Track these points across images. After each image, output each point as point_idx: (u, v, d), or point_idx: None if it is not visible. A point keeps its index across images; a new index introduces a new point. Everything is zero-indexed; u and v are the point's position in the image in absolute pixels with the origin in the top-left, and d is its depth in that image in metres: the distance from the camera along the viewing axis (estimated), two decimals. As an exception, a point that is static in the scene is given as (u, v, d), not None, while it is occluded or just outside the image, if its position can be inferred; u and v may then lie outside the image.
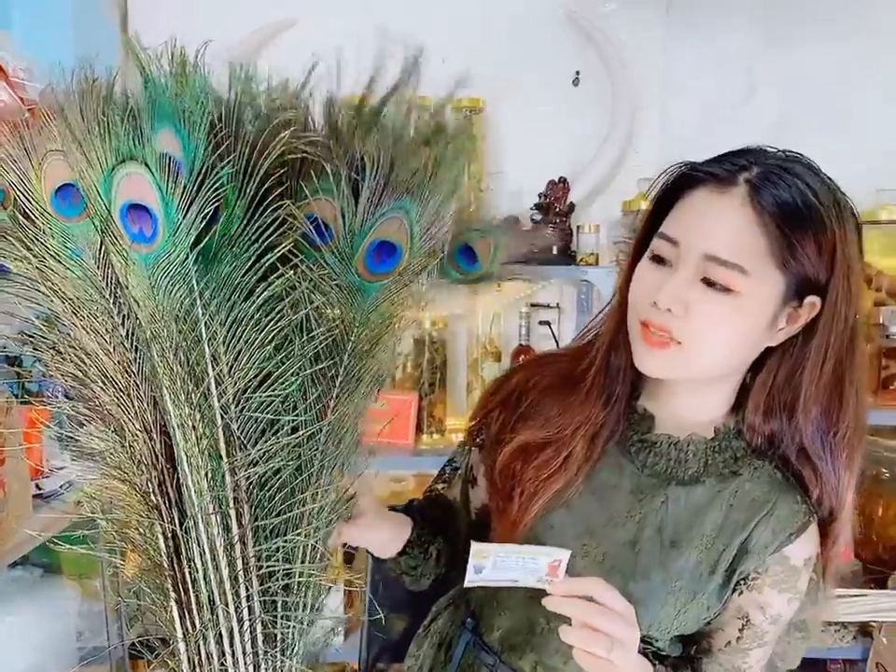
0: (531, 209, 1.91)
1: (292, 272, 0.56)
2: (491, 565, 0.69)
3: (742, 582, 0.82)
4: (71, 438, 0.69)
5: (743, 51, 1.97)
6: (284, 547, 0.64)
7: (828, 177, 0.76)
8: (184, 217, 0.50)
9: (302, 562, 0.64)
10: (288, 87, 0.62)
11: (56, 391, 0.72)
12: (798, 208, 0.71)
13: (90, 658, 1.44)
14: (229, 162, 0.49)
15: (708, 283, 0.72)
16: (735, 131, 1.94)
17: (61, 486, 1.24)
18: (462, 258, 0.78)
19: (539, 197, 1.90)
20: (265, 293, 0.54)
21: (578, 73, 2.01)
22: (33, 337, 0.67)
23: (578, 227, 1.93)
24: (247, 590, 0.63)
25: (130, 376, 0.63)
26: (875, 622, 1.63)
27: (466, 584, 0.70)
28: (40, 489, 1.24)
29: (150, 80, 0.50)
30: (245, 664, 0.64)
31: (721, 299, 0.72)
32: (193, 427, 0.58)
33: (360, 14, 1.85)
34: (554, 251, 1.88)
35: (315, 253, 0.59)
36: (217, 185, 0.49)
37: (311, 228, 0.58)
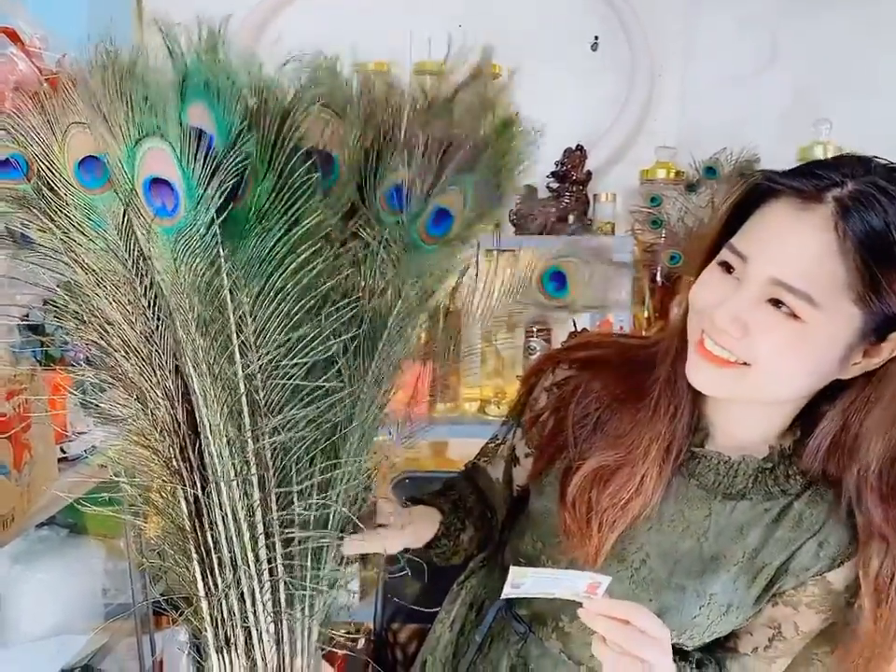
0: (548, 177, 1.90)
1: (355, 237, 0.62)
2: (529, 583, 0.70)
3: (778, 596, 0.80)
4: (94, 404, 0.71)
5: (765, 16, 1.92)
6: (310, 510, 0.66)
7: None
8: (204, 192, 0.51)
9: (324, 528, 0.66)
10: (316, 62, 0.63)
11: (78, 357, 0.73)
12: (890, 239, 0.63)
13: (115, 614, 1.50)
14: (250, 138, 0.50)
15: (776, 304, 0.66)
16: (755, 98, 1.92)
17: (85, 450, 1.27)
18: (551, 283, 0.77)
19: (556, 165, 1.89)
20: (293, 265, 0.56)
21: (596, 38, 1.98)
22: (56, 305, 0.68)
23: (595, 196, 1.91)
24: (268, 552, 0.65)
25: (152, 345, 0.64)
26: None
27: (503, 596, 0.71)
28: (65, 452, 1.27)
29: (179, 56, 0.51)
30: (266, 623, 0.67)
31: (786, 324, 0.66)
32: (215, 396, 0.60)
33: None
34: (570, 220, 1.87)
35: (392, 217, 0.63)
36: (241, 159, 0.50)
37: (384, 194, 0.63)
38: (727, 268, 0.71)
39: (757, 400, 0.75)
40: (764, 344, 0.67)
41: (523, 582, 0.70)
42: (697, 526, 0.80)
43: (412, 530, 0.87)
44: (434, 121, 0.63)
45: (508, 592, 0.71)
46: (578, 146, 1.89)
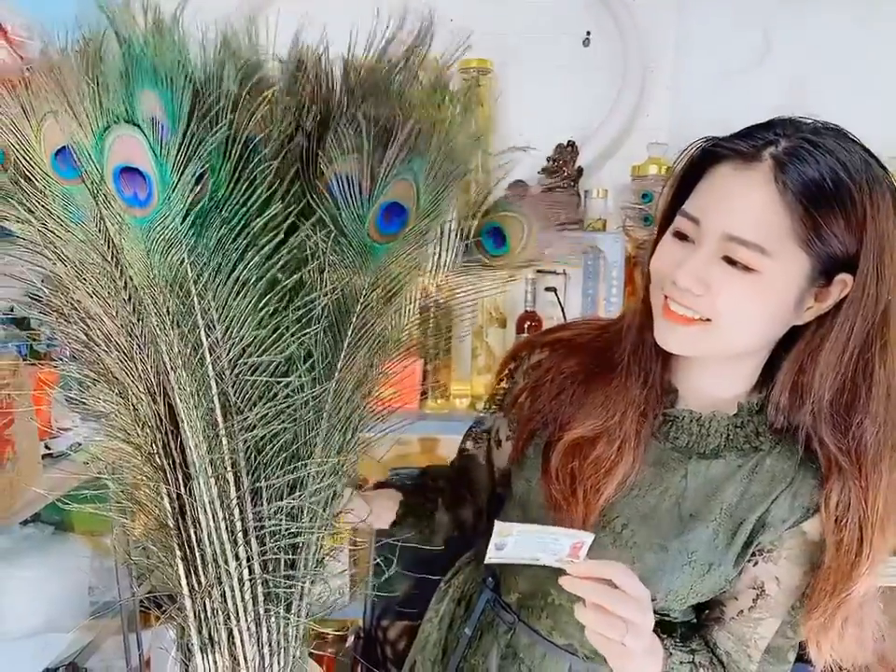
0: (539, 173, 1.89)
1: (302, 235, 0.57)
2: (513, 543, 0.70)
3: (758, 553, 0.82)
4: (77, 400, 0.69)
5: (758, 12, 1.91)
6: (286, 508, 0.65)
7: (864, 148, 0.73)
8: (179, 179, 0.50)
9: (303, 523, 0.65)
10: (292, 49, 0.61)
11: (63, 353, 0.72)
12: (825, 186, 0.68)
13: (101, 612, 1.48)
14: (221, 126, 0.48)
15: (730, 261, 0.71)
16: (748, 94, 1.91)
17: (70, 447, 1.25)
18: (489, 239, 0.76)
19: (548, 161, 1.88)
20: (256, 258, 0.54)
21: (589, 33, 1.97)
22: (39, 299, 0.67)
23: (586, 192, 1.90)
24: (247, 551, 0.64)
25: (132, 339, 0.63)
26: None
27: (486, 561, 0.71)
28: (49, 449, 1.26)
29: (124, 39, 0.49)
30: (248, 621, 0.66)
31: (743, 277, 0.70)
32: (190, 392, 0.59)
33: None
34: (562, 216, 1.86)
35: (332, 213, 0.59)
36: (212, 147, 0.49)
37: (325, 188, 0.58)
38: (682, 237, 0.75)
39: (722, 353, 0.78)
40: (724, 298, 0.71)
41: (506, 542, 0.70)
42: (675, 488, 0.83)
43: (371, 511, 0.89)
44: (369, 102, 0.59)
45: (492, 555, 0.71)
46: (569, 141, 1.88)
